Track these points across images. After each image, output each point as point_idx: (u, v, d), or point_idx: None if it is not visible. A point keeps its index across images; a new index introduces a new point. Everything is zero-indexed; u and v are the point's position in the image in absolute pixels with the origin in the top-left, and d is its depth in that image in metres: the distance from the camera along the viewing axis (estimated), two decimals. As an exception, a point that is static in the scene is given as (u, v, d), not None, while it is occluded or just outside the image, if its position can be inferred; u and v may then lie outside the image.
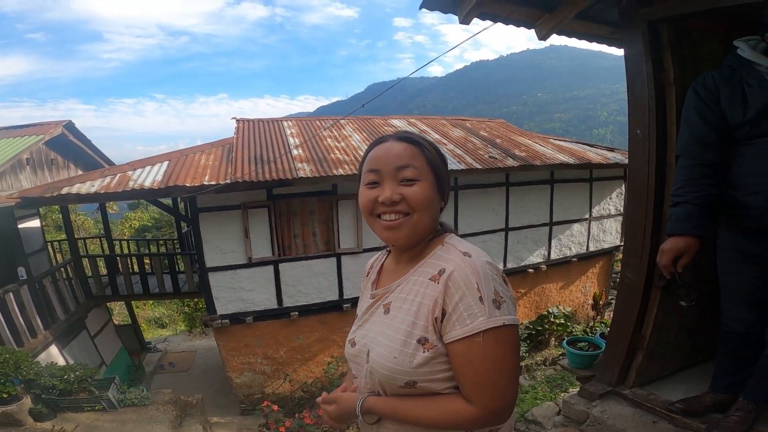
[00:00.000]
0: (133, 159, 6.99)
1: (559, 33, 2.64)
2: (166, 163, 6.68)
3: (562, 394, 5.08)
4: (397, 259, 0.96)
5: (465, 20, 2.44)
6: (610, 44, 2.88)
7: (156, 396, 5.48)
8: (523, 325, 7.97)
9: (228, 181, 5.80)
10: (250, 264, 6.57)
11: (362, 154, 0.95)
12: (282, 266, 6.76)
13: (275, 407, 5.64)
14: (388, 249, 1.04)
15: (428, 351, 0.78)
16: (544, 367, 7.59)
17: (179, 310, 13.20)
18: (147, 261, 8.35)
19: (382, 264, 1.04)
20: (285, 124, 8.75)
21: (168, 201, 8.78)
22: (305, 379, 7.25)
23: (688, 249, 1.58)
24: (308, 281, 6.94)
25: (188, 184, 5.76)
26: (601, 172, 8.66)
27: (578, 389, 2.58)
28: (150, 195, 6.11)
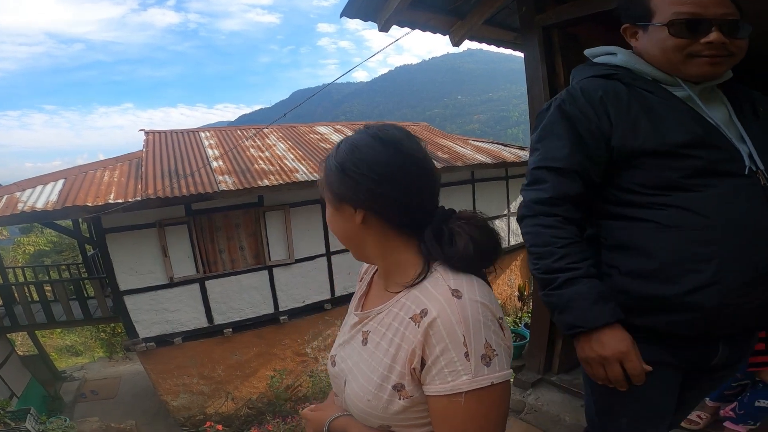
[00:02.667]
0: (21, 178, 6.17)
1: (471, 38, 2.81)
2: (61, 182, 5.99)
3: None
4: (379, 273, 0.82)
5: (384, 28, 2.52)
6: (514, 48, 3.11)
7: (82, 425, 5.09)
8: (457, 320, 8.28)
9: (138, 199, 5.34)
10: (172, 284, 6.21)
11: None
12: (209, 283, 6.46)
13: (219, 427, 5.46)
14: None
15: (404, 399, 0.69)
16: None
17: (94, 336, 12.35)
18: (48, 288, 7.45)
19: (374, 275, 0.89)
20: (202, 135, 8.29)
21: (67, 223, 7.87)
22: (249, 395, 7.01)
23: (630, 343, 0.93)
24: (239, 297, 6.69)
25: (90, 204, 5.22)
26: (516, 169, 9.31)
27: (513, 379, 2.74)
28: (44, 217, 5.43)
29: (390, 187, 0.69)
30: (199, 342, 6.53)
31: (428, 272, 0.71)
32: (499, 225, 9.37)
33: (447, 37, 2.80)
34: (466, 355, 0.63)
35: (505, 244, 9.47)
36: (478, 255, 0.69)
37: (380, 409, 0.71)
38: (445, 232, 0.71)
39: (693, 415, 1.95)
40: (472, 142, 10.09)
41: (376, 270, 0.87)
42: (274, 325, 7.01)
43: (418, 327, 0.66)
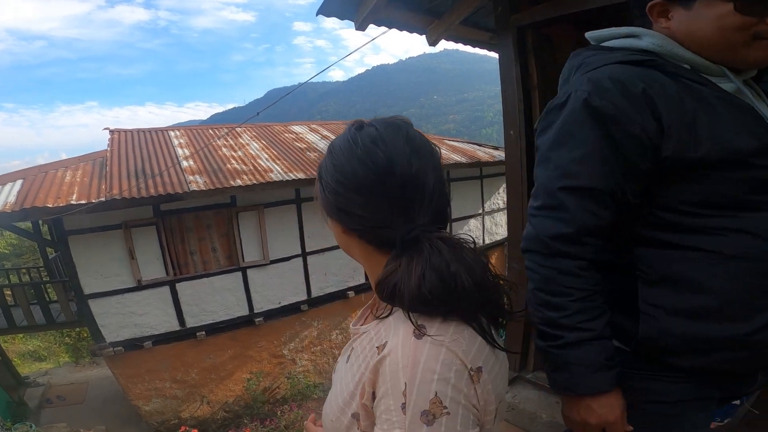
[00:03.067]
0: (-24, 179, 5.82)
1: (448, 38, 2.83)
2: (19, 182, 5.69)
3: None
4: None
5: (361, 26, 2.51)
6: (489, 49, 3.14)
7: (49, 431, 4.76)
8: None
9: (102, 199, 5.13)
10: (140, 287, 6.02)
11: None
12: (179, 285, 6.30)
13: (195, 431, 5.37)
14: None
15: (360, 431, 0.62)
16: None
17: (58, 341, 11.93)
18: (8, 292, 7.09)
19: None
20: (172, 134, 8.04)
21: (27, 225, 7.51)
22: (225, 399, 6.90)
23: (620, 413, 0.81)
24: (212, 299, 6.55)
25: (50, 205, 4.98)
26: (490, 169, 9.46)
27: None
28: (1, 219, 5.15)
29: (357, 200, 0.60)
30: (171, 345, 6.37)
31: None
32: (474, 224, 9.49)
33: (424, 36, 2.81)
34: (403, 406, 0.53)
35: (480, 243, 9.61)
36: (446, 293, 0.55)
37: None
38: (402, 260, 0.58)
39: None
40: (447, 141, 10.18)
41: None
42: (249, 327, 6.89)
43: (377, 358, 0.58)
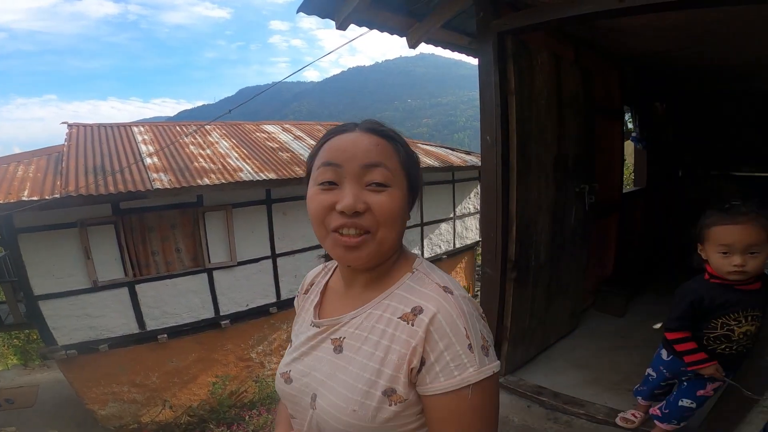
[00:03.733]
0: None
1: (427, 41, 2.81)
2: (-35, 176, 5.30)
3: None
4: (349, 280, 0.77)
5: (342, 26, 2.48)
6: (468, 54, 3.14)
7: None
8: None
9: (57, 196, 4.83)
10: (96, 288, 5.72)
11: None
12: (139, 287, 6.03)
13: None
14: (329, 262, 0.89)
15: (396, 404, 0.65)
16: None
17: (6, 343, 11.37)
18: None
19: (327, 282, 0.84)
20: (135, 129, 7.69)
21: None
22: (189, 403, 6.67)
23: None
24: (176, 301, 6.31)
25: (0, 201, 4.64)
26: (461, 174, 9.59)
27: None
28: (-58, 216, 4.78)
29: (420, 186, 0.77)
30: (130, 349, 6.11)
31: (411, 273, 0.72)
32: (446, 228, 9.57)
33: (403, 39, 2.79)
34: (470, 347, 0.63)
35: (450, 247, 9.72)
36: None
37: (368, 419, 0.65)
38: None
39: (628, 414, 2.04)
40: (420, 145, 10.24)
41: (329, 278, 0.85)
42: (214, 330, 6.70)
43: (413, 325, 0.65)
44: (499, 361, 0.67)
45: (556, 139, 2.63)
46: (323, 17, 2.52)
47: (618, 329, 3.28)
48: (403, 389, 0.65)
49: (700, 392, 1.71)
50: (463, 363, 0.63)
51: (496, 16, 2.21)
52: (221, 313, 6.68)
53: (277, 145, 7.92)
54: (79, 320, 5.72)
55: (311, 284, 0.88)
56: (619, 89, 3.89)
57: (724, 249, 1.49)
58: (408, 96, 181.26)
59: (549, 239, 2.68)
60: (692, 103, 5.02)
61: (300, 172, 6.47)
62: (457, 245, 9.88)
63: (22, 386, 8.58)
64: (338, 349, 0.72)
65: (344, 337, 0.72)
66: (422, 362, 0.64)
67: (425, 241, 9.13)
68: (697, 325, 1.62)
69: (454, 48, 3.12)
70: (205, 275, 6.47)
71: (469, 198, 10.07)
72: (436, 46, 3.05)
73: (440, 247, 9.48)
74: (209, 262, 6.41)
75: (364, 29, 2.67)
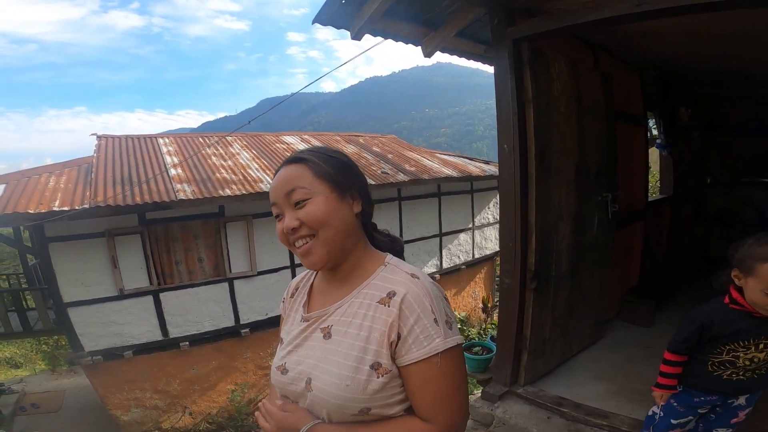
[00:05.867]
0: (-44, 183, 5.66)
1: (443, 50, 2.82)
2: (2, 187, 5.55)
3: (470, 396, 5.37)
4: (329, 278, 0.90)
5: (357, 36, 2.50)
6: (484, 62, 3.14)
7: None
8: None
9: (86, 206, 5.01)
10: (122, 296, 5.86)
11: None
12: (163, 296, 6.15)
13: None
14: None
15: (383, 376, 0.77)
16: None
17: (35, 348, 11.70)
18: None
19: (312, 284, 0.98)
20: (161, 141, 7.93)
21: (8, 230, 7.33)
22: (208, 410, 6.73)
23: None
24: (197, 309, 6.41)
25: (32, 211, 4.84)
26: (480, 183, 9.50)
27: (480, 392, 2.70)
28: (-20, 226, 5.01)
29: (356, 179, 0.89)
30: (153, 356, 6.21)
31: (384, 266, 0.85)
32: (464, 238, 9.49)
33: (419, 48, 2.80)
34: (435, 321, 0.76)
35: (469, 257, 9.61)
36: (401, 247, 0.99)
37: (360, 391, 0.76)
38: (382, 231, 1.00)
39: None
40: (438, 155, 10.22)
41: (314, 280, 0.98)
42: (234, 339, 6.76)
43: (389, 306, 0.77)
44: (461, 336, 0.80)
45: (576, 146, 2.59)
46: (338, 28, 2.54)
47: (644, 339, 3.18)
48: (387, 362, 0.77)
49: (734, 420, 1.62)
50: (430, 334, 0.75)
51: (511, 24, 2.20)
52: (241, 322, 6.75)
53: (296, 156, 8.03)
54: (105, 327, 5.85)
55: (296, 289, 1.01)
56: (641, 94, 3.82)
57: None
58: (426, 105, 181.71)
59: (570, 249, 2.63)
60: (720, 107, 4.88)
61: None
62: (476, 256, 9.77)
63: (48, 391, 8.81)
64: (327, 335, 0.83)
65: (332, 325, 0.84)
66: (399, 336, 0.76)
67: (444, 252, 9.05)
68: (701, 348, 1.55)
69: (469, 56, 3.13)
70: (226, 284, 6.56)
71: (489, 208, 9.97)
72: (452, 54, 3.05)
73: (459, 257, 9.38)
74: (230, 271, 6.50)
75: (379, 39, 2.70)
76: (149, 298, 6.04)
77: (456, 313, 8.82)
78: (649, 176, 4.50)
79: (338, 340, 0.81)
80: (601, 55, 3.12)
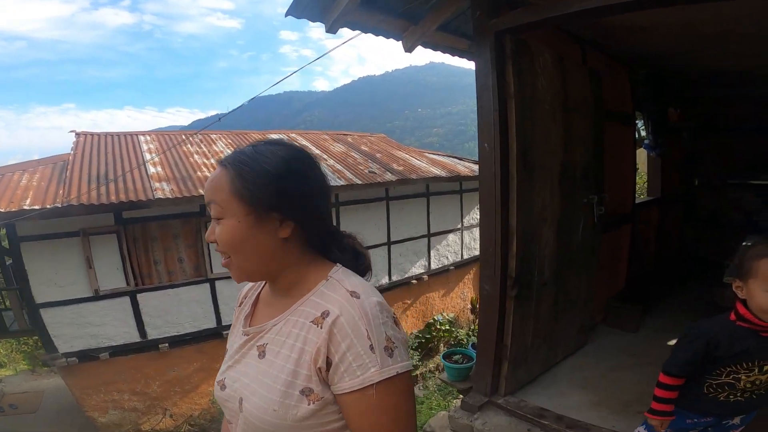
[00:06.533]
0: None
1: (424, 45, 2.69)
2: (-28, 185, 5.34)
3: (454, 402, 5.25)
4: (272, 289, 0.83)
5: (332, 29, 2.39)
6: (468, 58, 3.00)
7: None
8: (413, 334, 8.21)
9: (58, 205, 4.82)
10: (98, 297, 5.69)
11: None
12: (141, 296, 5.98)
13: None
14: None
15: (314, 403, 0.69)
16: (438, 373, 7.83)
17: (15, 348, 11.55)
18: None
19: (258, 294, 0.90)
20: (141, 138, 7.72)
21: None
22: (190, 412, 6.58)
23: None
24: (178, 310, 6.26)
25: (2, 210, 4.64)
26: (469, 183, 9.39)
27: (460, 401, 2.61)
28: (-55, 224, 4.79)
29: (318, 201, 0.77)
30: (130, 357, 6.06)
31: (326, 280, 0.75)
32: (453, 239, 9.39)
33: (400, 42, 2.69)
34: (371, 348, 0.67)
35: (458, 258, 9.52)
36: (367, 264, 0.84)
37: (288, 417, 0.69)
38: (347, 246, 0.83)
39: None
40: (427, 154, 10.12)
41: (261, 290, 0.89)
42: (216, 340, 6.59)
43: (321, 328, 0.69)
44: (407, 362, 0.70)
45: (561, 145, 2.48)
46: (313, 21, 2.44)
47: (630, 345, 3.09)
48: (318, 388, 0.69)
49: None
50: (364, 363, 0.67)
51: (494, 16, 2.09)
52: (223, 323, 6.60)
53: (282, 154, 7.87)
54: (80, 328, 5.70)
55: (245, 297, 0.93)
56: (630, 93, 3.73)
57: None
58: (418, 105, 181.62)
59: (554, 253, 2.52)
60: (709, 108, 4.82)
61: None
62: (465, 256, 9.67)
63: (27, 392, 8.66)
64: (262, 354, 0.77)
65: (267, 343, 0.77)
66: (328, 363, 0.68)
67: (432, 252, 8.95)
68: (701, 369, 1.42)
69: (453, 52, 3.02)
70: (207, 285, 6.40)
71: (478, 208, 9.89)
72: (435, 50, 2.94)
73: (447, 258, 9.29)
74: (212, 272, 6.34)
75: (358, 32, 2.57)
76: (126, 299, 5.88)
77: (444, 314, 8.71)
78: (637, 178, 4.43)
79: (271, 360, 0.74)
80: (589, 50, 3.02)
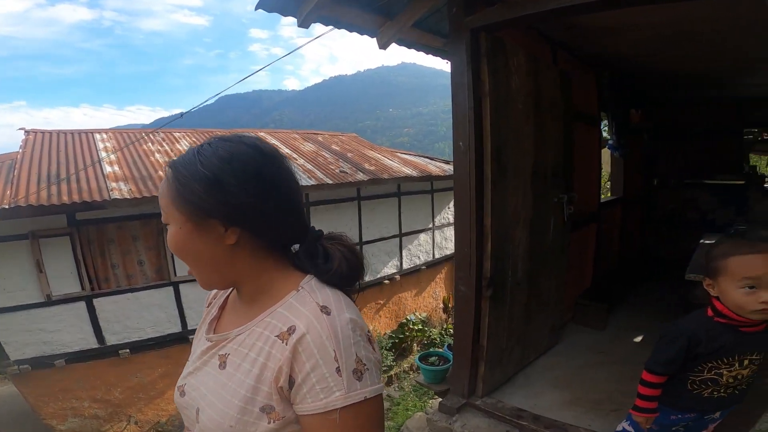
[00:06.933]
0: None
1: (399, 42, 2.64)
2: None
3: (430, 402, 5.24)
4: (239, 296, 0.78)
5: (304, 23, 2.31)
6: (443, 56, 2.98)
7: None
8: (386, 335, 8.20)
9: (5, 206, 4.47)
10: (50, 302, 5.35)
11: None
12: (98, 301, 5.66)
13: None
14: None
15: (274, 422, 0.65)
16: (412, 373, 7.80)
17: None
18: None
19: (227, 297, 0.86)
20: (98, 136, 7.30)
21: None
22: (156, 419, 6.31)
23: None
24: (138, 315, 5.97)
25: (-60, 211, 4.26)
26: (440, 183, 9.46)
27: (438, 404, 2.58)
28: None
29: (274, 203, 0.67)
30: (89, 364, 5.76)
31: (296, 291, 0.69)
32: (425, 239, 9.43)
33: (374, 39, 2.63)
34: (338, 370, 0.62)
35: (429, 258, 9.56)
36: (350, 272, 0.71)
37: None
38: (319, 250, 0.72)
39: None
40: (399, 154, 10.11)
41: (230, 293, 0.84)
42: (182, 344, 6.34)
43: (286, 344, 0.64)
44: (377, 386, 0.65)
45: (533, 145, 2.49)
46: (285, 15, 2.34)
47: (597, 343, 3.16)
48: (279, 407, 0.65)
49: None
50: (329, 386, 0.62)
51: (471, 13, 2.06)
52: (189, 327, 6.35)
53: (250, 153, 7.65)
54: (32, 335, 5.37)
55: (213, 299, 0.88)
56: (596, 94, 3.82)
57: (750, 283, 1.24)
58: (389, 105, 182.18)
59: (527, 253, 2.53)
60: (667, 110, 5.03)
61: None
62: (437, 256, 9.73)
63: (-21, 398, 8.06)
64: (222, 365, 0.72)
65: (229, 354, 0.72)
66: (291, 382, 0.64)
67: (404, 252, 8.95)
68: (683, 366, 1.43)
69: (428, 50, 2.98)
70: (170, 288, 6.13)
71: (449, 208, 9.97)
72: (410, 48, 2.89)
73: (419, 258, 9.32)
74: (175, 275, 6.07)
75: (331, 27, 2.49)
76: (81, 304, 5.54)
77: (417, 314, 8.72)
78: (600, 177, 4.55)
79: (231, 372, 0.69)
80: (559, 52, 3.06)
